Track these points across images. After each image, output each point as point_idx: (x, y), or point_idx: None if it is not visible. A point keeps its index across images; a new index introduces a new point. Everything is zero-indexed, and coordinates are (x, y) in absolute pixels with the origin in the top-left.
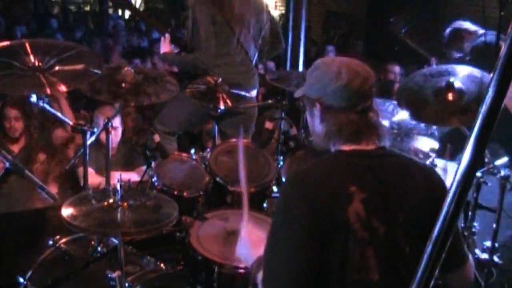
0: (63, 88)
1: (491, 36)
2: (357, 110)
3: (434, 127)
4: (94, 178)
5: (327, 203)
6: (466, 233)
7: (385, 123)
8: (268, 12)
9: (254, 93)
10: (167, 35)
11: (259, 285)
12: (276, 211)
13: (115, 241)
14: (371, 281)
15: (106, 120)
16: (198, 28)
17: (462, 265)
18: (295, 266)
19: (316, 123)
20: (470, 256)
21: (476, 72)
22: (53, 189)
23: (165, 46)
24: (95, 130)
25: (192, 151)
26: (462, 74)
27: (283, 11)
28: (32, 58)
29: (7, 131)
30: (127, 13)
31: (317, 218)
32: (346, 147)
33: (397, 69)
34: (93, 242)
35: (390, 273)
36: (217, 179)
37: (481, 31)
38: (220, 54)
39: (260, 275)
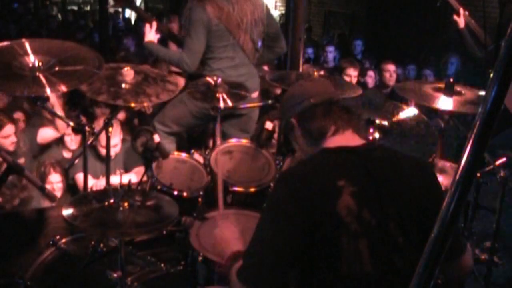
0: (63, 88)
1: None
2: (330, 115)
3: (434, 127)
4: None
5: (315, 198)
6: (466, 233)
7: (385, 123)
8: (268, 12)
9: (255, 94)
10: (153, 23)
11: (232, 276)
12: (265, 207)
13: (115, 241)
14: (365, 273)
15: (106, 120)
16: (189, 29)
17: (459, 256)
18: (274, 255)
19: (301, 142)
20: (468, 246)
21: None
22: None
23: (150, 35)
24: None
25: (192, 151)
26: None
27: (283, 11)
28: (32, 58)
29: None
30: (127, 14)
31: (306, 213)
32: (330, 144)
33: (391, 67)
34: (93, 242)
35: (384, 264)
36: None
37: None
38: (220, 58)
39: (234, 268)
